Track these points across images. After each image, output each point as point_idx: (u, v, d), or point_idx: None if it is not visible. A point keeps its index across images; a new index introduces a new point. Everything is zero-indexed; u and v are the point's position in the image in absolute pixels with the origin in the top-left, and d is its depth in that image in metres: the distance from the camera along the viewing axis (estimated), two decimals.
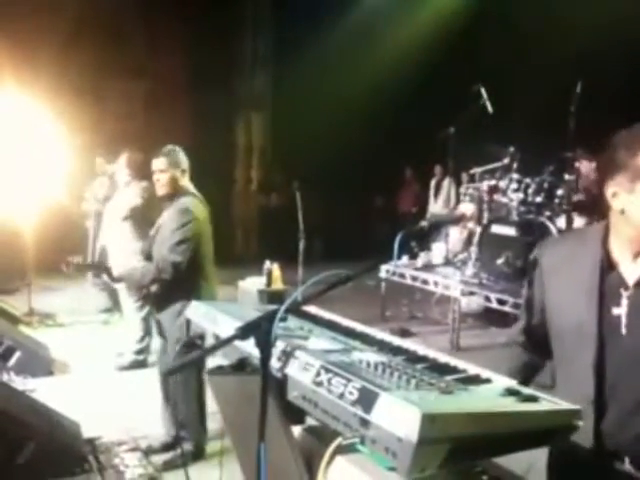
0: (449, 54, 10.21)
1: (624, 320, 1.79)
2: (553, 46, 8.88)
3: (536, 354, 2.14)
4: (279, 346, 1.81)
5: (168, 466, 3.91)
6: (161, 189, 4.20)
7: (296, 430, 1.94)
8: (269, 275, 6.97)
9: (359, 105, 11.37)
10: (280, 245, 8.96)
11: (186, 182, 4.25)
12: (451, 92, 8.58)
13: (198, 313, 2.29)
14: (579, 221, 6.66)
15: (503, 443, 1.46)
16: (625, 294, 1.80)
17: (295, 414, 1.84)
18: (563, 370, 1.96)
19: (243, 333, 1.74)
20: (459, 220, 2.15)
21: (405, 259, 7.37)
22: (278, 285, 7.07)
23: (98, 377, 5.47)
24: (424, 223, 2.04)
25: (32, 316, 7.01)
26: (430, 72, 10.45)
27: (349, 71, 11.37)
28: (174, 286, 3.98)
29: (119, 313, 7.30)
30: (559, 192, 6.81)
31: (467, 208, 2.13)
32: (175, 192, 4.18)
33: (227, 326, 2.05)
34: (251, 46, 12.99)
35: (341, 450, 1.59)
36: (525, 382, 1.96)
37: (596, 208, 6.68)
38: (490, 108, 7.33)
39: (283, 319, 1.82)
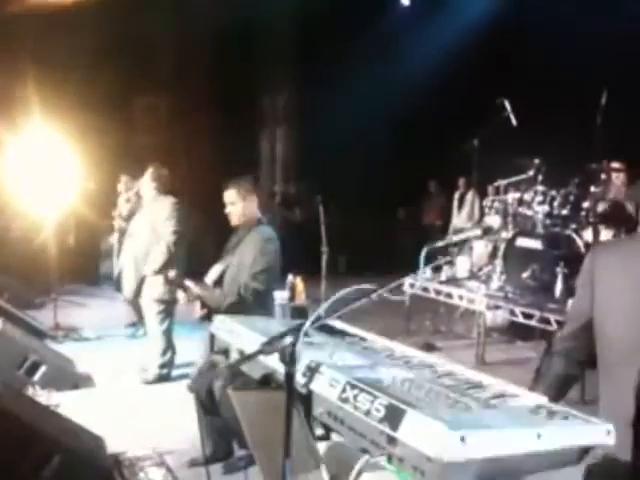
0: (474, 66, 10.17)
1: None
2: (579, 56, 8.80)
3: (575, 365, 2.05)
4: (304, 361, 1.80)
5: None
6: (235, 220, 4.38)
7: (322, 446, 1.92)
8: (292, 289, 6.95)
9: (383, 118, 11.37)
10: (303, 259, 8.95)
11: (257, 211, 4.40)
12: (475, 105, 8.52)
13: (222, 328, 2.29)
14: (606, 233, 6.56)
15: (534, 461, 1.43)
16: None
17: (321, 430, 1.82)
18: (606, 383, 1.88)
19: (267, 348, 1.73)
20: (485, 234, 2.11)
21: (429, 273, 7.31)
22: (301, 299, 7.06)
23: (123, 391, 5.47)
24: (450, 237, 2.01)
25: (57, 330, 7.05)
26: (454, 85, 10.41)
27: (372, 85, 11.37)
28: (244, 311, 4.05)
29: (144, 327, 7.34)
30: (585, 204, 6.71)
31: (493, 221, 2.07)
32: (250, 221, 4.34)
33: (251, 341, 2.04)
34: (275, 61, 13.08)
35: (368, 468, 1.56)
36: (560, 395, 1.90)
37: (623, 220, 6.59)
38: (514, 120, 7.28)
39: (307, 334, 1.81)
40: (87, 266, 9.94)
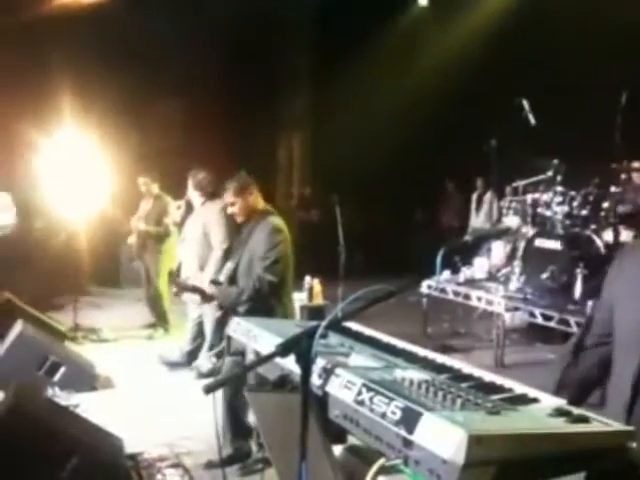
0: (492, 66, 10.10)
1: None
2: (599, 57, 8.71)
3: (600, 366, 2.06)
4: (320, 363, 1.79)
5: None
6: (239, 218, 4.47)
7: (338, 449, 1.91)
8: (310, 291, 6.96)
9: (399, 119, 11.34)
10: (321, 260, 8.94)
11: (260, 202, 4.41)
12: (494, 104, 8.47)
13: (239, 330, 2.29)
14: (626, 234, 6.49)
15: (552, 465, 1.40)
16: None
17: (336, 432, 1.82)
18: (612, 371, 1.95)
19: (283, 350, 1.72)
20: (503, 234, 2.10)
21: (447, 274, 7.26)
22: (319, 301, 7.05)
23: (141, 392, 5.51)
24: (467, 238, 2.01)
25: (77, 332, 7.12)
26: (472, 84, 10.35)
27: (388, 86, 11.35)
28: (261, 305, 4.11)
29: (163, 328, 7.39)
30: (605, 205, 6.64)
31: (512, 221, 2.06)
32: (253, 215, 4.39)
33: (267, 343, 2.04)
34: (291, 65, 13.09)
35: (384, 471, 1.55)
36: (584, 395, 1.94)
37: None
38: (533, 120, 7.22)
39: (324, 336, 1.80)
40: (108, 268, 10.03)
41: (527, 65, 9.71)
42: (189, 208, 6.83)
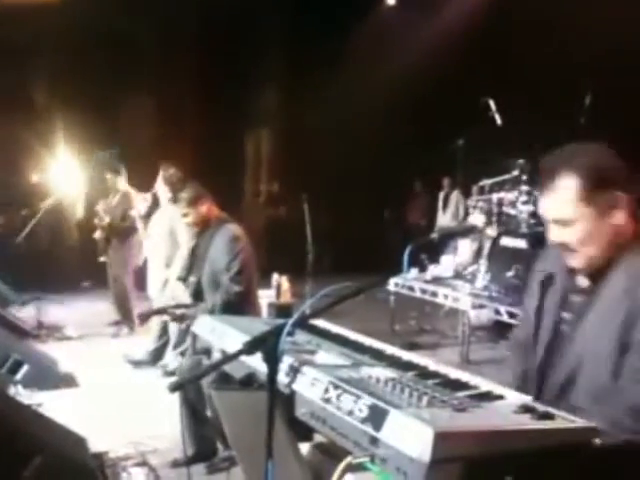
0: (459, 66, 10.18)
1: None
2: (564, 57, 8.83)
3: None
4: (287, 361, 1.78)
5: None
6: (194, 227, 4.44)
7: (305, 447, 1.91)
8: (278, 288, 6.94)
9: (369, 118, 11.36)
10: (289, 258, 8.93)
11: (215, 211, 4.36)
12: (460, 104, 8.54)
13: (205, 327, 2.27)
14: None
15: (518, 462, 1.41)
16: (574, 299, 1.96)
17: (303, 430, 1.81)
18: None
19: (250, 348, 1.71)
20: (469, 232, 2.12)
21: (414, 272, 7.29)
22: (287, 298, 7.04)
23: (106, 391, 5.43)
24: (434, 235, 2.02)
25: (41, 329, 7.00)
26: (439, 84, 10.42)
27: (358, 85, 11.35)
28: (230, 314, 4.04)
29: (128, 326, 7.30)
30: None
31: (478, 220, 2.09)
32: (208, 224, 4.34)
33: (234, 341, 2.02)
34: (260, 62, 13.03)
35: (351, 469, 1.55)
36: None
37: None
38: (499, 120, 7.30)
39: (291, 333, 1.79)
40: (73, 263, 9.87)
41: (494, 65, 9.80)
42: (155, 202, 6.75)
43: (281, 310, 6.76)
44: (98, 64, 10.20)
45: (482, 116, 7.39)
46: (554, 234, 1.88)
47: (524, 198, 6.92)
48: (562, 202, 1.82)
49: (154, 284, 6.18)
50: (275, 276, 6.97)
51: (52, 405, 4.59)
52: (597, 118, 6.55)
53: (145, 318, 5.06)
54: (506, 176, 7.25)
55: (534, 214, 6.85)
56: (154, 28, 10.99)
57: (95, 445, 4.07)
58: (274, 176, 13.70)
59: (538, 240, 6.62)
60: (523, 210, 6.89)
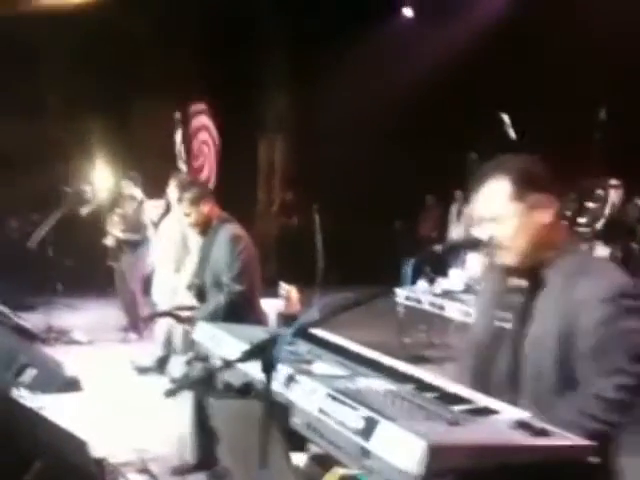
0: (473, 80, 10.18)
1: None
2: (579, 73, 8.81)
3: None
4: (285, 371, 1.76)
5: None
6: (197, 230, 4.40)
7: (301, 458, 1.89)
8: (287, 298, 6.93)
9: (382, 128, 11.37)
10: (300, 267, 8.92)
11: (217, 212, 4.36)
12: (474, 118, 8.53)
13: (204, 334, 2.26)
14: (602, 250, 6.54)
15: (512, 478, 1.39)
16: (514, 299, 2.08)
17: (299, 440, 1.79)
18: None
19: (247, 356, 1.70)
20: (474, 245, 2.10)
21: (425, 285, 7.27)
22: (296, 308, 7.02)
23: (111, 396, 5.43)
24: (437, 247, 2.00)
25: (50, 333, 7.03)
26: (454, 98, 10.42)
27: (372, 95, 11.37)
28: (235, 315, 4.04)
29: (136, 332, 7.32)
30: (582, 220, 6.71)
31: (484, 233, 2.08)
32: (210, 225, 4.31)
33: (232, 348, 2.01)
34: (273, 69, 13.10)
35: None
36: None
37: (621, 236, 6.58)
38: (512, 134, 7.28)
39: (291, 343, 1.78)
40: (85, 268, 9.90)
41: (508, 79, 9.78)
42: (168, 209, 6.77)
43: (290, 320, 6.73)
44: (108, 70, 10.27)
45: (495, 130, 7.37)
46: (486, 232, 2.06)
47: None
48: (494, 201, 2.04)
49: (161, 289, 6.18)
50: (283, 285, 6.95)
51: (55, 409, 4.59)
52: (611, 134, 6.52)
53: (149, 320, 5.05)
54: None
55: None
56: (165, 32, 11.06)
57: (97, 450, 4.06)
58: (287, 185, 13.71)
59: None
60: None
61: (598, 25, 8.78)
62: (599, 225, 6.56)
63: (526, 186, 2.01)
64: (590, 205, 6.63)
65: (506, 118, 7.34)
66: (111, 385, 5.70)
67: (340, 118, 11.02)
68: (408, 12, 12.39)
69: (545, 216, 2.02)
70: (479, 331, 2.18)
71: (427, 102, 10.76)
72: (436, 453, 1.25)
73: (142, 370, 6.16)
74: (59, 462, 3.69)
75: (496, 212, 2.03)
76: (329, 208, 9.60)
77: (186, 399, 4.12)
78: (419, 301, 7.37)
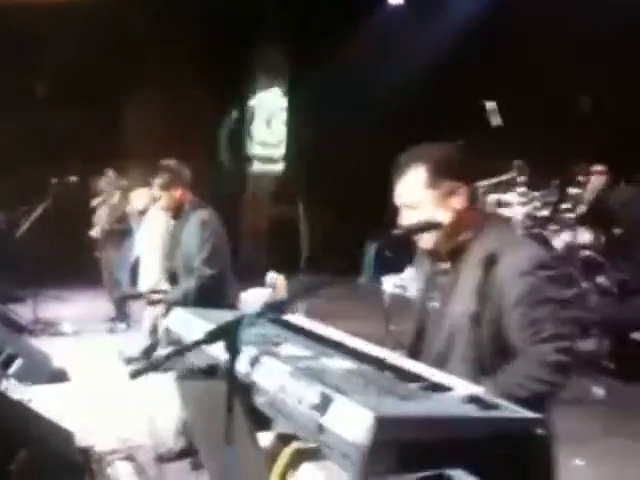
0: (459, 67, 10.17)
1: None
2: (564, 59, 8.82)
3: None
4: (250, 352, 1.81)
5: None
6: (170, 214, 4.48)
7: (267, 436, 1.93)
8: (274, 286, 6.95)
9: (368, 117, 11.36)
10: (289, 257, 8.95)
11: (188, 196, 4.39)
12: (459, 106, 8.55)
13: (177, 320, 2.30)
14: (585, 235, 6.61)
15: (461, 450, 1.43)
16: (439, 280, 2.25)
17: (265, 419, 1.84)
18: None
19: (211, 337, 1.74)
20: (432, 228, 2.14)
21: (411, 272, 7.31)
22: (282, 296, 7.04)
23: (97, 386, 5.46)
24: (396, 231, 2.06)
25: (37, 324, 7.06)
26: (438, 85, 10.40)
27: (360, 82, 11.34)
28: (207, 297, 4.10)
29: (124, 322, 7.35)
30: (565, 206, 6.77)
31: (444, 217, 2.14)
32: (182, 208, 4.35)
33: (203, 332, 2.05)
34: (267, 59, 13.07)
35: (302, 455, 1.58)
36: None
37: (602, 222, 6.64)
38: (496, 121, 7.32)
39: (253, 324, 1.83)
40: (71, 260, 9.91)
41: (492, 65, 9.79)
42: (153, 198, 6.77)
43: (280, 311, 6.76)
44: (101, 59, 10.25)
45: (479, 117, 7.40)
46: (404, 218, 2.18)
47: (520, 199, 6.94)
48: (411, 189, 2.16)
49: (147, 278, 6.19)
50: (270, 274, 6.98)
51: (42, 400, 4.63)
52: (595, 120, 6.56)
53: (122, 301, 5.10)
54: (502, 178, 7.27)
55: (530, 216, 6.88)
56: (162, 26, 11.04)
57: (83, 440, 4.11)
58: (281, 175, 13.67)
59: (534, 241, 6.64)
60: (519, 211, 6.91)
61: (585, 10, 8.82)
62: (580, 210, 6.62)
63: (440, 174, 2.14)
64: (572, 191, 6.69)
65: (490, 105, 7.37)
66: (98, 376, 5.72)
67: (331, 108, 10.99)
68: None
69: (458, 202, 2.14)
70: (415, 312, 2.38)
71: (415, 90, 10.73)
72: (382, 424, 1.30)
73: (130, 360, 6.19)
74: (44, 452, 3.74)
75: (413, 199, 2.16)
76: (320, 198, 9.60)
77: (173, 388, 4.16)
78: (405, 289, 7.41)
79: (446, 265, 2.24)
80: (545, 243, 6.58)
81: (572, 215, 6.64)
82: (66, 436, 4.06)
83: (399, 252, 2.12)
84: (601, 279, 6.39)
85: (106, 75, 10.39)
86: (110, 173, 7.66)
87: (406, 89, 10.70)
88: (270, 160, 13.34)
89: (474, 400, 1.55)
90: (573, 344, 2.02)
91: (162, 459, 4.02)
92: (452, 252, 2.19)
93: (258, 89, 13.16)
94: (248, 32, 12.05)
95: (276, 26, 12.45)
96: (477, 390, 1.65)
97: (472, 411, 1.49)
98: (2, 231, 8.36)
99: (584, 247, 6.54)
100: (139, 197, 7.27)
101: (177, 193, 4.35)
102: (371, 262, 1.90)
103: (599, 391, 5.56)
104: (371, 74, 11.42)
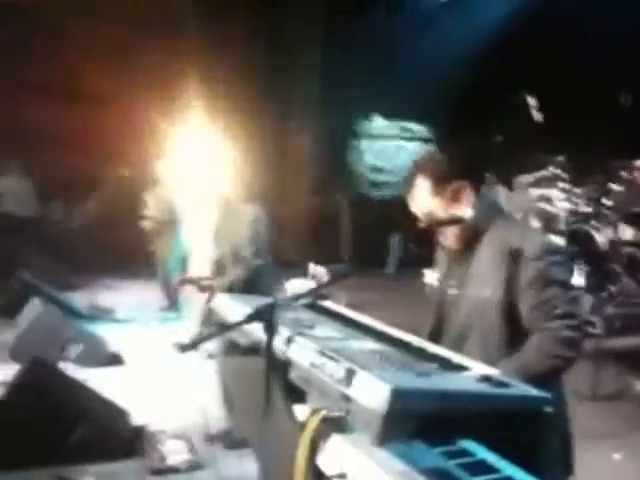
0: (498, 61, 10.12)
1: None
2: (604, 54, 8.74)
3: None
4: (286, 333, 2.01)
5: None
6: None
7: (302, 409, 2.12)
8: (314, 276, 7.15)
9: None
10: (335, 248, 9.07)
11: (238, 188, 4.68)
12: (499, 100, 8.54)
13: (222, 304, 2.51)
14: (628, 232, 6.60)
15: (472, 423, 1.59)
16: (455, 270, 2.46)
17: (299, 394, 2.03)
18: None
19: (251, 318, 1.95)
20: (458, 222, 2.32)
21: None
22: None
23: (150, 369, 5.72)
24: (422, 224, 2.24)
25: (93, 311, 7.38)
26: (478, 80, 10.36)
27: (398, 73, 11.36)
28: (253, 285, 4.43)
29: (176, 310, 7.60)
30: (608, 202, 6.76)
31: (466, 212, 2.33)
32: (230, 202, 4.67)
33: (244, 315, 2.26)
34: (293, 53, 13.10)
35: (328, 424, 1.75)
36: None
37: None
38: (537, 116, 7.34)
39: (288, 307, 2.03)
40: (127, 249, 10.22)
41: (533, 61, 9.73)
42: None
43: (317, 298, 6.92)
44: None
45: (521, 112, 7.42)
46: (424, 224, 2.42)
47: (562, 195, 6.96)
48: (419, 199, 2.40)
49: (198, 268, 6.38)
50: (312, 265, 7.18)
51: (99, 381, 4.93)
52: (638, 116, 6.53)
53: (179, 286, 5.39)
54: (545, 172, 7.29)
55: (572, 211, 6.90)
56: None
57: (136, 418, 4.38)
58: (318, 167, 13.77)
59: (574, 237, 6.67)
60: (561, 207, 6.94)
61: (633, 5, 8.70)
62: (624, 207, 6.60)
63: (442, 180, 2.37)
64: (614, 187, 6.68)
65: (530, 100, 7.39)
66: (150, 360, 6.00)
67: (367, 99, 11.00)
68: None
69: (467, 199, 2.37)
70: (435, 299, 2.56)
71: (452, 84, 10.71)
72: (398, 395, 1.47)
73: (182, 347, 6.40)
74: (101, 428, 4.05)
75: (424, 208, 2.40)
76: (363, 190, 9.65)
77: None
78: None
79: (463, 255, 2.45)
80: (589, 239, 6.60)
81: (614, 211, 6.62)
82: (121, 414, 4.36)
83: (423, 245, 2.36)
84: None
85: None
86: (159, 164, 7.87)
87: (448, 85, 10.70)
88: None
89: (487, 379, 1.71)
90: (580, 322, 2.24)
91: (212, 438, 4.23)
92: (469, 242, 2.40)
93: None
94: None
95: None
96: (491, 371, 1.81)
97: (484, 388, 1.65)
98: (60, 222, 8.74)
99: (627, 243, 6.55)
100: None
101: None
102: (395, 254, 2.10)
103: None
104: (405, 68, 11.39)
